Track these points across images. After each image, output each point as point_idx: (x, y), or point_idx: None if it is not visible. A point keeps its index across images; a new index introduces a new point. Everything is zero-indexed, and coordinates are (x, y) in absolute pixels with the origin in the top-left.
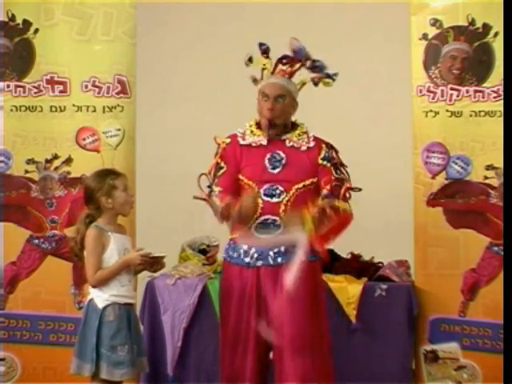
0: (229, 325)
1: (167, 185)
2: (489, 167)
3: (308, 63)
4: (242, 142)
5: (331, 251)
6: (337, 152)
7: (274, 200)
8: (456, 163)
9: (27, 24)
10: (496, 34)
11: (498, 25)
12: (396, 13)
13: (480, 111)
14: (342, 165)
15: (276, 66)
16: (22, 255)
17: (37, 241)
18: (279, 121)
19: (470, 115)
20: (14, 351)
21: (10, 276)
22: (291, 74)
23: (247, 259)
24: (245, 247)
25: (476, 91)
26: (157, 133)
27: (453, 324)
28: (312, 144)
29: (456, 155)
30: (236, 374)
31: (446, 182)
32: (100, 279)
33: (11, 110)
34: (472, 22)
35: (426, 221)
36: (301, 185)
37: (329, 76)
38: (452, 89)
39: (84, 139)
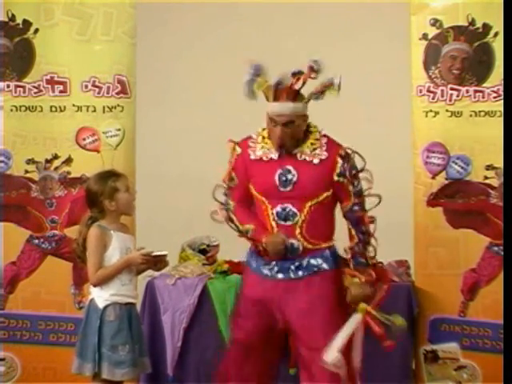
0: (243, 333)
1: (167, 185)
2: (489, 167)
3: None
4: (252, 157)
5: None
6: (350, 156)
7: (288, 223)
8: (456, 163)
9: (27, 24)
10: (496, 34)
11: (498, 25)
12: (396, 13)
13: (480, 111)
14: (357, 171)
15: (275, 92)
16: (21, 255)
17: (37, 241)
18: (289, 143)
19: (470, 115)
20: (14, 351)
21: (9, 276)
22: (296, 94)
23: (266, 271)
24: (266, 259)
25: (476, 91)
26: (156, 133)
27: (453, 324)
28: (325, 156)
29: (456, 155)
30: (246, 380)
31: (446, 182)
32: (101, 278)
33: (11, 110)
34: (472, 22)
35: (426, 221)
36: (314, 201)
37: (331, 84)
38: (452, 89)
39: (84, 139)
